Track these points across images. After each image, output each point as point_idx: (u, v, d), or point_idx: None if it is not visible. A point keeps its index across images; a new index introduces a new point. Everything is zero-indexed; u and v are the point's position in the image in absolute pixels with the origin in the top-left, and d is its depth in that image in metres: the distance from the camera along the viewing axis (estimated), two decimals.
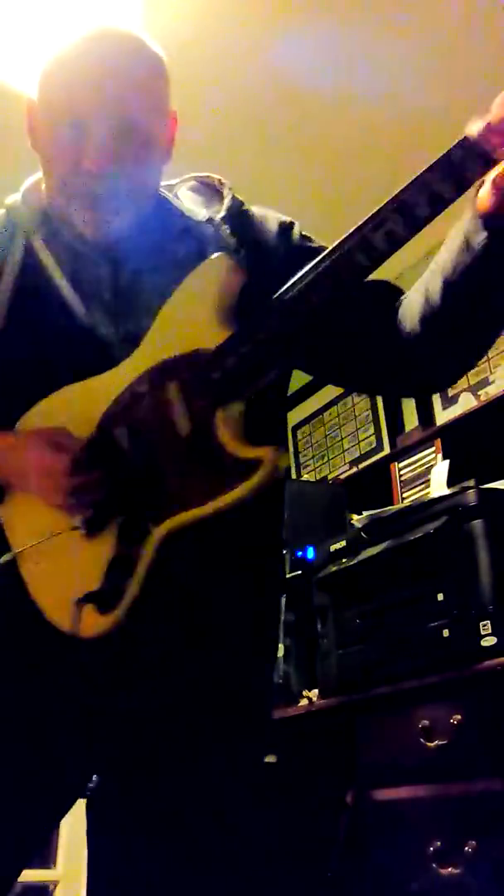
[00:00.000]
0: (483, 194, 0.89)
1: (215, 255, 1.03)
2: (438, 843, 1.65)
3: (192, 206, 1.14)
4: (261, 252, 1.10)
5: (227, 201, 1.13)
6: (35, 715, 1.04)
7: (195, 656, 1.04)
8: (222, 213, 1.11)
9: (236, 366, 0.98)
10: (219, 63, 2.57)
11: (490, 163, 0.86)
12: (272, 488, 1.01)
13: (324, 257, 0.96)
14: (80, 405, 1.07)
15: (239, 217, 1.12)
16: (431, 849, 1.66)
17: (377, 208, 0.92)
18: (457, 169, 0.87)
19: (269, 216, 1.17)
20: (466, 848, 1.60)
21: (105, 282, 1.09)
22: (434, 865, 1.64)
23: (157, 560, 1.00)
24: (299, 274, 0.97)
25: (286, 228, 1.15)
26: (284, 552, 2.44)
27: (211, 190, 1.17)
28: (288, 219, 1.18)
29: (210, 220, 1.11)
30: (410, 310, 1.06)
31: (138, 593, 1.00)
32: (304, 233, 1.17)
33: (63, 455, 1.02)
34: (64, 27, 1.07)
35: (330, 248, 0.97)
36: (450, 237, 0.98)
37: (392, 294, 1.11)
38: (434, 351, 1.06)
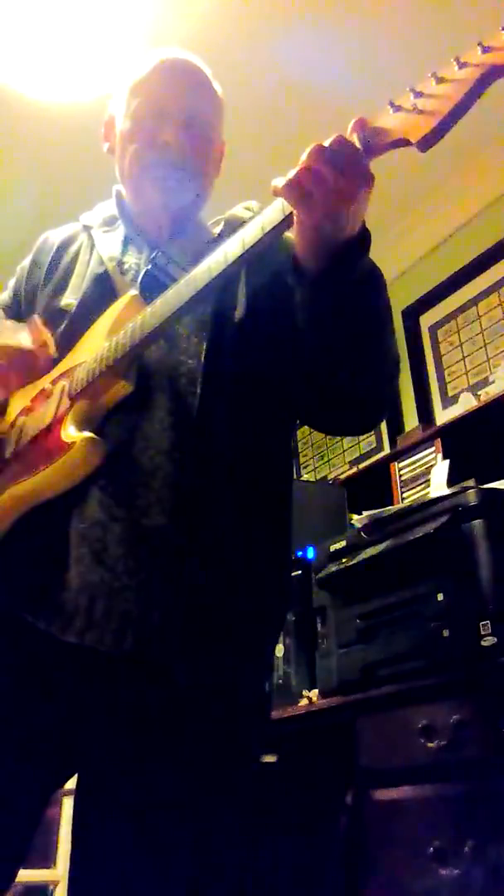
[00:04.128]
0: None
1: (129, 293, 1.19)
2: (438, 843, 1.65)
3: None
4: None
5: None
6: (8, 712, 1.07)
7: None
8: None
9: (95, 372, 1.12)
10: (224, 65, 2.57)
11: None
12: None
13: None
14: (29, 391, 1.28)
15: None
16: (431, 849, 1.66)
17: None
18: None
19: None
20: (466, 848, 1.60)
21: (144, 263, 1.25)
22: (434, 865, 1.64)
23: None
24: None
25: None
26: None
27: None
28: None
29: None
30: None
31: None
32: None
33: None
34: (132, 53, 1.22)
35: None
36: None
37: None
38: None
